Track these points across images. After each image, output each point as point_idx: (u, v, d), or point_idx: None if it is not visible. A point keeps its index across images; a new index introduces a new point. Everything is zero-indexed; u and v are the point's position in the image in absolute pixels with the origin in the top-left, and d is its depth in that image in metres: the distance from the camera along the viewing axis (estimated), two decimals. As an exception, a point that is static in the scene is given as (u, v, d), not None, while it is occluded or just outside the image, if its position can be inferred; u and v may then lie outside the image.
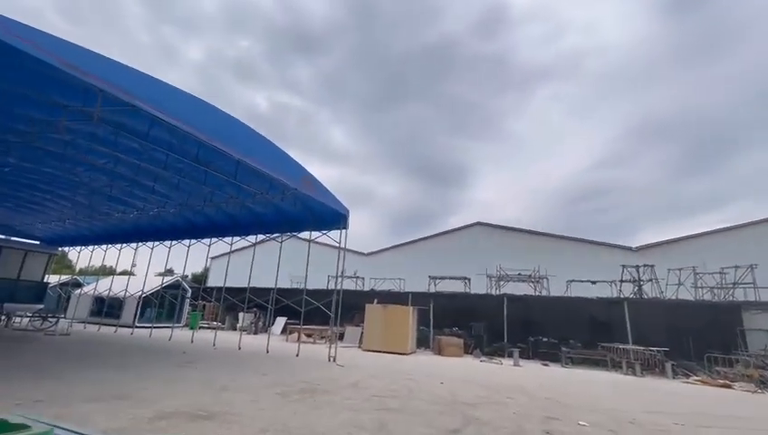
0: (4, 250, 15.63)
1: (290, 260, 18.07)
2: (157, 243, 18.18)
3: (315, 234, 14.14)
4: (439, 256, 30.40)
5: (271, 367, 10.12)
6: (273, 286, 14.84)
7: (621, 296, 17.91)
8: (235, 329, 23.00)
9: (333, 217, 13.33)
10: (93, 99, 6.75)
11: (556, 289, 21.82)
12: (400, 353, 15.75)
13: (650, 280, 18.78)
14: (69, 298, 23.97)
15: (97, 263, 26.30)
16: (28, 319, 15.74)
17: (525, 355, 17.17)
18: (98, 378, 7.16)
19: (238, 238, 15.81)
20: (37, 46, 5.31)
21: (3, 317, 15.95)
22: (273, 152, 10.21)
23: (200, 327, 21.79)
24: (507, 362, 15.58)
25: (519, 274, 22.07)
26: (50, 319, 15.76)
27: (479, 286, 23.22)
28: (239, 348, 13.99)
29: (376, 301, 19.03)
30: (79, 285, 25.66)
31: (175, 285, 22.34)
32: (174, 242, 17.52)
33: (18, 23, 5.10)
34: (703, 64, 75.41)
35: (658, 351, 14.44)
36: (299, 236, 14.92)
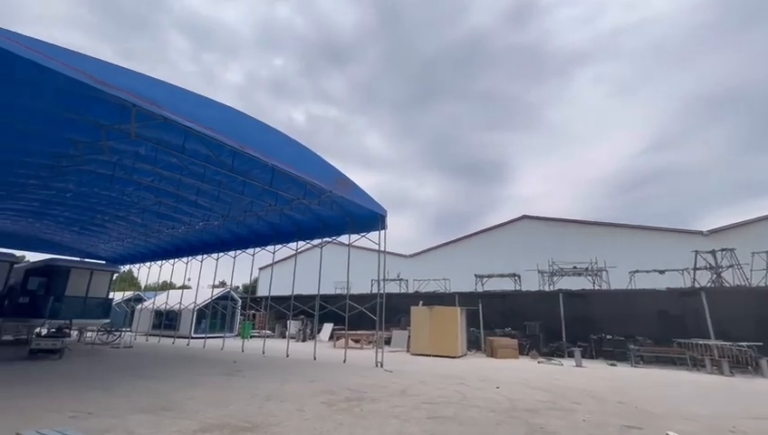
0: (73, 270, 16.87)
1: (333, 266, 18.09)
2: (205, 256, 18.88)
3: (354, 237, 13.96)
4: (485, 253, 29.20)
5: (317, 374, 9.91)
6: (317, 293, 14.76)
7: (697, 286, 15.98)
8: (284, 337, 23.36)
9: (371, 219, 13.03)
10: (128, 116, 6.90)
11: (617, 282, 20.03)
12: (450, 357, 15.05)
13: (731, 266, 16.61)
14: (133, 313, 25.62)
15: (158, 279, 27.98)
16: (96, 333, 16.87)
17: (588, 355, 15.79)
18: (150, 389, 7.27)
19: (280, 246, 15.96)
20: (67, 65, 5.44)
21: (75, 332, 17.20)
22: (305, 156, 10.09)
23: (251, 336, 22.36)
24: (568, 362, 14.37)
25: (574, 267, 20.51)
26: (114, 333, 16.81)
27: (531, 283, 21.88)
28: (287, 355, 14.01)
29: (421, 303, 18.45)
30: (141, 300, 27.42)
31: (225, 297, 23.14)
32: (221, 254, 18.09)
33: (49, 44, 5.24)
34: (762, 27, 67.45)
35: (749, 346, 12.61)
36: (338, 240, 14.77)
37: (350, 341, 19.11)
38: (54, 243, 21.12)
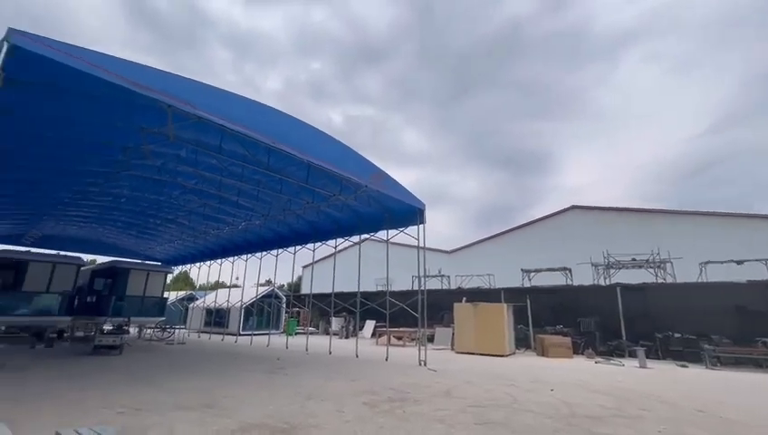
0: (132, 271, 18.05)
1: (373, 263, 17.95)
2: (249, 255, 19.44)
3: (393, 233, 13.68)
4: (532, 247, 27.78)
5: (359, 372, 9.72)
6: (357, 290, 14.64)
7: (783, 277, 14.01)
8: (327, 333, 23.62)
9: (409, 213, 12.65)
10: (166, 118, 7.02)
11: (683, 274, 18.12)
12: (497, 355, 14.34)
13: (826, 254, 14.38)
14: (187, 311, 27.10)
15: (209, 278, 29.43)
16: (152, 331, 17.94)
17: (652, 355, 14.38)
18: (196, 385, 7.40)
19: (320, 244, 16.03)
20: (108, 71, 5.55)
21: (135, 329, 18.36)
22: (339, 150, 9.91)
23: (296, 333, 22.82)
24: (630, 363, 13.15)
25: (633, 259, 18.82)
26: (168, 330, 17.76)
27: (583, 277, 20.44)
28: (330, 353, 14.01)
29: (465, 299, 17.80)
30: (194, 299, 28.96)
31: (270, 295, 23.80)
32: (264, 253, 18.52)
33: (86, 50, 5.36)
34: None
35: None
36: (378, 237, 14.50)
37: (392, 338, 18.88)
38: (116, 246, 22.70)
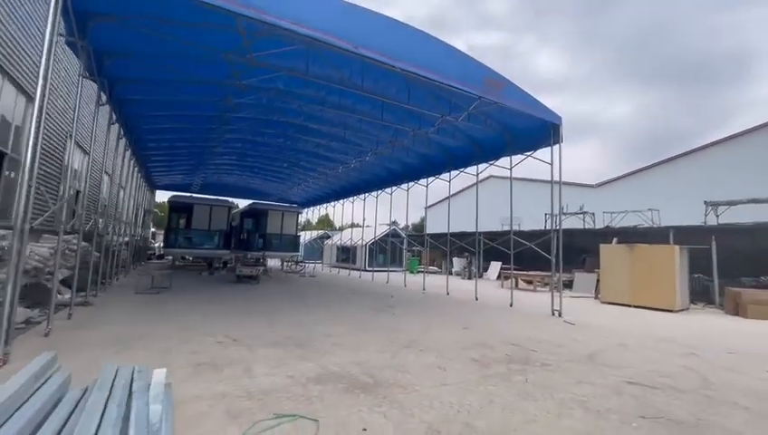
0: (270, 212, 20.12)
1: (499, 200, 15.84)
2: (366, 194, 19.43)
3: (518, 159, 11.27)
4: (720, 173, 20.90)
5: (474, 319, 8.46)
6: (476, 229, 13.03)
7: None
8: (450, 273, 22.92)
9: (540, 131, 9.92)
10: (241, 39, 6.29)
11: None
12: (663, 310, 11.19)
13: None
14: (322, 248, 29.87)
15: (344, 219, 31.56)
16: (287, 264, 20.02)
17: None
18: (300, 320, 7.27)
19: (433, 179, 14.65)
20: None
21: (278, 262, 20.76)
22: (440, 52, 7.75)
23: (418, 271, 22.78)
24: None
25: None
26: (300, 264, 19.53)
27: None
28: (447, 293, 13.11)
29: (615, 240, 14.39)
30: (328, 238, 31.67)
31: (392, 234, 24.04)
32: (379, 191, 18.17)
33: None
34: None
35: None
36: (498, 165, 12.16)
37: (521, 282, 16.93)
38: (259, 191, 25.65)
